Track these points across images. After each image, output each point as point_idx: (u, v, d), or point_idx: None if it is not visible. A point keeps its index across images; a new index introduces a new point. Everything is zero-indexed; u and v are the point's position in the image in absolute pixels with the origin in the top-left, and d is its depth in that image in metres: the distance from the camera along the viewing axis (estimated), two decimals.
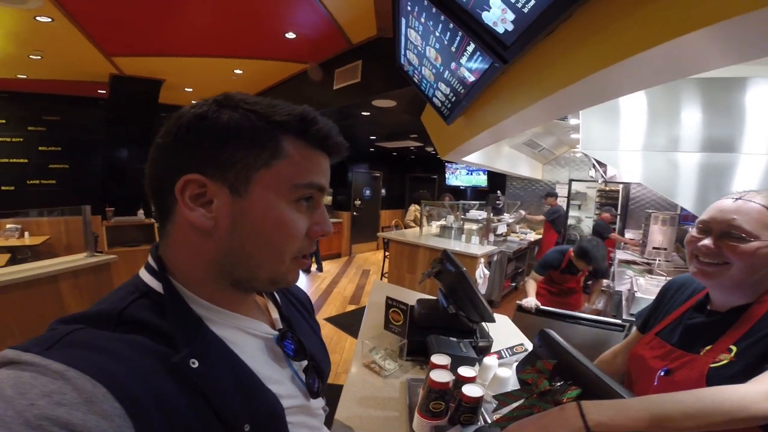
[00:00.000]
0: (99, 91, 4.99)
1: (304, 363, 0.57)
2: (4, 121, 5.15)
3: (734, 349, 0.72)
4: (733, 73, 1.89)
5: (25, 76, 4.55)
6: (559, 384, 0.54)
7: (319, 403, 0.60)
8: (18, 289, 2.24)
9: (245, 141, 0.43)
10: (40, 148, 5.37)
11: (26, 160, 5.29)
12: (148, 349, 0.38)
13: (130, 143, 4.75)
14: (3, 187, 5.18)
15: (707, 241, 0.78)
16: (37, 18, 2.94)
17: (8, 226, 4.56)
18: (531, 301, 2.27)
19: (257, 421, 0.43)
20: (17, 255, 4.17)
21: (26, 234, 4.61)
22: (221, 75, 4.55)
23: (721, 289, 0.80)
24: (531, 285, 2.57)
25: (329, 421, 1.02)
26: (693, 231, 0.84)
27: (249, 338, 0.50)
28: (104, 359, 0.34)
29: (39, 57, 3.88)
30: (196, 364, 0.40)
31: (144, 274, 0.46)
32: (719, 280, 0.77)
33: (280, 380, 0.51)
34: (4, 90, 5.03)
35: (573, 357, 0.57)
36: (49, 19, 2.97)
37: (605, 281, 2.78)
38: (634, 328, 1.09)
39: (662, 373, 0.81)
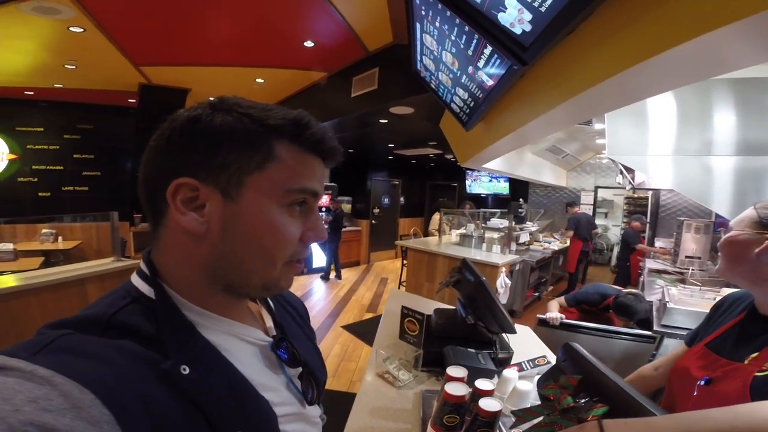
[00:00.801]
0: (129, 100, 5.22)
1: (299, 370, 0.56)
2: (42, 129, 5.45)
3: None
4: (767, 73, 1.79)
5: (61, 86, 4.80)
6: (584, 401, 0.50)
7: (315, 411, 0.59)
8: (47, 291, 2.35)
9: (238, 144, 0.42)
10: (74, 156, 5.65)
11: (62, 167, 5.57)
12: (138, 354, 0.37)
13: None
14: (40, 193, 5.46)
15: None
16: (71, 28, 3.11)
17: (44, 230, 4.81)
18: (555, 315, 2.17)
19: (250, 428, 0.42)
20: (50, 258, 4.37)
21: (60, 238, 4.84)
22: (244, 84, 4.67)
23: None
24: (554, 307, 2.41)
25: (340, 430, 0.99)
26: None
27: (242, 345, 0.49)
28: (92, 365, 0.33)
29: (73, 66, 4.09)
30: (187, 371, 0.39)
31: (136, 279, 0.45)
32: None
33: (274, 387, 0.50)
34: (42, 99, 5.32)
35: (600, 372, 0.52)
36: (82, 29, 3.13)
37: None
38: (680, 343, 1.02)
39: (702, 383, 0.76)
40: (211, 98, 0.45)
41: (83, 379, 0.31)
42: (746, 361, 0.72)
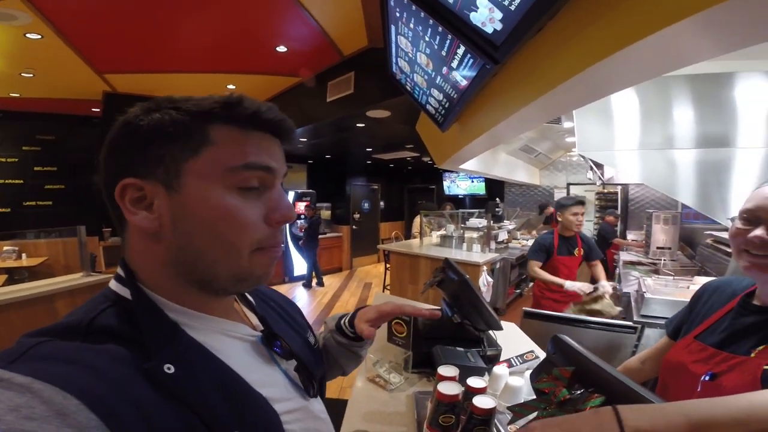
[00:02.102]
0: (93, 109, 5.00)
1: (293, 363, 0.55)
2: None
3: None
4: (721, 69, 1.90)
5: (18, 95, 4.55)
6: (579, 392, 0.50)
7: (319, 405, 0.58)
8: (14, 308, 2.25)
9: (168, 136, 0.41)
10: (35, 169, 5.35)
11: (22, 181, 5.27)
12: (120, 357, 0.36)
13: None
14: None
15: (759, 231, 0.70)
16: (27, 35, 2.95)
17: (5, 248, 4.55)
18: (576, 285, 2.19)
19: (248, 427, 0.41)
20: (14, 276, 4.12)
21: (23, 255, 4.59)
22: (214, 90, 4.41)
23: None
24: (538, 270, 2.52)
25: None
26: (737, 223, 0.76)
27: (232, 341, 0.48)
28: (73, 370, 0.32)
29: (31, 75, 3.89)
30: (172, 370, 0.37)
31: (113, 284, 0.44)
32: None
33: (270, 383, 0.48)
34: None
35: (592, 363, 0.52)
36: (39, 36, 2.98)
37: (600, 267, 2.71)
38: (664, 336, 1.03)
39: (707, 378, 0.75)
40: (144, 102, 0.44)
41: (65, 385, 0.30)
42: (753, 354, 0.70)
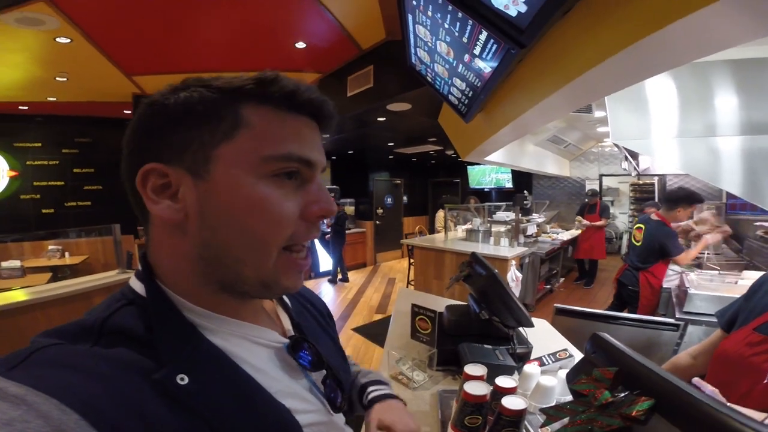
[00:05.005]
0: (124, 111, 5.19)
1: (323, 373, 0.50)
2: (39, 144, 5.41)
3: None
4: (766, 54, 1.78)
5: (54, 99, 4.76)
6: (623, 395, 0.45)
7: (342, 418, 0.54)
8: (55, 305, 2.37)
9: (197, 117, 0.37)
10: (74, 170, 5.61)
11: (63, 183, 5.54)
12: (131, 364, 0.33)
13: None
14: (43, 210, 5.44)
15: None
16: (57, 39, 3.06)
17: (50, 247, 4.83)
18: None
19: None
20: (58, 273, 4.37)
21: (66, 254, 4.86)
22: None
23: None
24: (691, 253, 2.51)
25: None
26: None
27: (256, 348, 0.44)
28: (75, 378, 0.29)
29: (65, 79, 4.05)
30: (186, 381, 0.34)
31: (132, 281, 0.41)
32: None
33: (294, 393, 0.45)
34: (37, 113, 5.28)
35: (638, 363, 0.47)
36: (69, 40, 3.09)
37: None
38: (716, 329, 0.97)
39: None
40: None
41: (65, 397, 0.27)
42: None
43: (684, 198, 2.56)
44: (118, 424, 0.28)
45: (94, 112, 5.34)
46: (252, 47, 3.45)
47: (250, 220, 0.38)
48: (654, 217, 2.74)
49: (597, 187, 6.19)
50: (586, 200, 5.51)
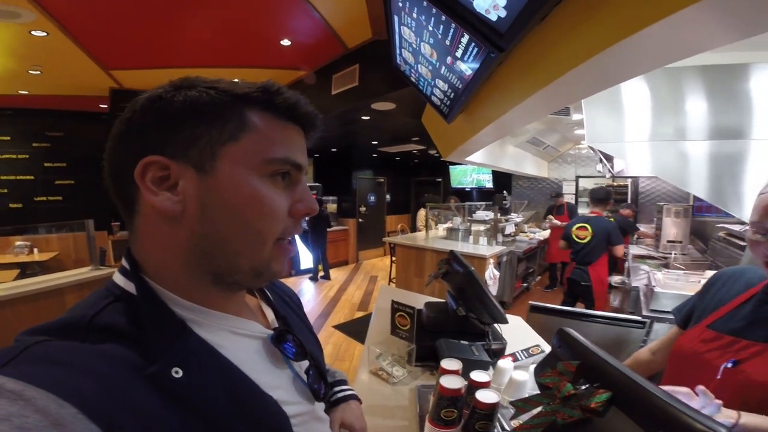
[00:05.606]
0: (100, 105, 5.03)
1: (306, 364, 0.52)
2: (8, 138, 5.19)
3: None
4: (735, 60, 1.86)
5: (26, 92, 4.58)
6: (584, 387, 0.48)
7: (322, 407, 0.56)
8: (25, 302, 2.29)
9: (206, 116, 0.39)
10: (45, 165, 5.40)
11: (32, 177, 5.33)
12: (123, 359, 0.33)
13: None
14: (11, 205, 5.23)
15: None
16: (33, 32, 2.96)
17: (18, 243, 4.62)
18: None
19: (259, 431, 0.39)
20: (27, 270, 4.20)
21: (35, 250, 4.66)
22: None
23: None
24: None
25: None
26: (750, 233, 0.79)
27: (242, 340, 0.45)
28: (70, 374, 0.30)
29: (38, 72, 3.90)
30: (180, 374, 0.35)
31: (117, 277, 0.42)
32: None
33: (281, 385, 0.46)
34: (7, 107, 5.06)
35: (598, 357, 0.51)
36: (44, 33, 2.98)
37: None
38: (673, 326, 1.02)
39: (729, 365, 0.77)
40: (172, 80, 0.42)
41: (62, 392, 0.28)
42: None
43: (609, 195, 3.19)
44: (113, 417, 0.29)
45: (67, 105, 5.16)
46: (236, 44, 3.40)
47: (250, 214, 0.41)
48: (592, 214, 3.19)
49: (574, 188, 6.37)
50: (552, 202, 5.68)
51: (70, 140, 5.49)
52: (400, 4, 1.70)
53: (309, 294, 5.44)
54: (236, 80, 0.43)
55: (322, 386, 0.53)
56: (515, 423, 0.85)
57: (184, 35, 3.20)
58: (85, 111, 5.36)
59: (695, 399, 0.68)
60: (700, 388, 0.70)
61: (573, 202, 6.40)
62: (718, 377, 0.77)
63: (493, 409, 0.76)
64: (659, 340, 1.06)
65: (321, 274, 6.16)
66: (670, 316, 1.97)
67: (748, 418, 0.66)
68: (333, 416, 0.68)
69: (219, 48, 3.48)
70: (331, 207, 7.58)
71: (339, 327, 4.08)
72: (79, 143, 5.49)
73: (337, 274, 6.57)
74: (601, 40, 0.92)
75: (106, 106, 4.85)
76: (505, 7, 1.13)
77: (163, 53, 3.55)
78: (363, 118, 4.48)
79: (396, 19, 1.90)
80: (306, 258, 6.39)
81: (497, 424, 0.81)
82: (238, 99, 0.41)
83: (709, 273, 2.44)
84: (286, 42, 3.36)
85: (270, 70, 4.09)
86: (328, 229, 6.38)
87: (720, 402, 0.67)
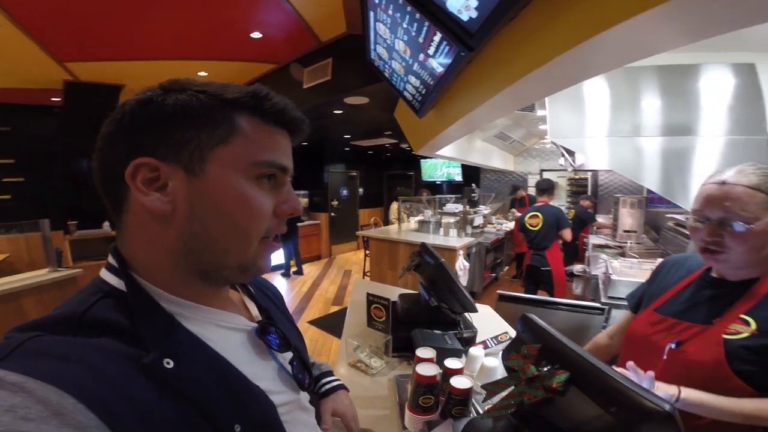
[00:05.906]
0: (52, 99, 4.69)
1: (290, 355, 0.55)
2: None
3: (752, 321, 0.75)
4: (687, 60, 1.99)
5: None
6: (546, 368, 0.54)
7: (306, 397, 0.58)
8: None
9: (196, 120, 0.41)
10: None
11: None
12: (116, 352, 0.35)
13: (89, 153, 4.47)
14: None
15: (709, 230, 0.80)
16: None
17: None
18: None
19: (248, 420, 0.41)
20: None
21: None
22: (185, 77, 4.37)
23: (733, 269, 0.82)
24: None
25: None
26: (691, 221, 0.85)
27: (227, 333, 0.47)
28: (67, 367, 0.31)
29: None
30: (171, 365, 0.37)
31: (105, 274, 0.43)
32: (731, 263, 0.80)
33: (266, 375, 0.49)
34: None
35: (556, 340, 0.56)
36: None
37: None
38: (627, 311, 1.11)
39: (673, 346, 0.83)
40: (162, 82, 0.43)
41: (61, 383, 0.29)
42: (714, 323, 0.80)
43: (553, 186, 3.57)
44: (111, 406, 0.30)
45: (15, 99, 4.75)
46: (204, 36, 3.26)
47: (238, 215, 0.43)
48: (540, 203, 3.54)
49: (542, 180, 6.62)
50: (513, 197, 5.90)
51: (19, 135, 5.08)
52: (377, 1, 1.72)
53: (282, 290, 5.34)
54: (227, 84, 0.44)
55: (306, 376, 0.56)
56: (488, 406, 0.91)
57: (145, 26, 3.04)
58: (36, 104, 4.97)
59: (631, 376, 0.75)
60: (630, 364, 0.78)
61: (534, 194, 6.67)
62: (665, 357, 0.84)
63: (467, 394, 0.82)
64: (615, 324, 1.14)
65: (293, 269, 6.10)
66: (626, 302, 2.13)
67: (688, 393, 0.74)
68: (324, 406, 0.71)
69: (184, 39, 3.33)
70: (303, 201, 7.48)
71: (314, 322, 4.07)
72: (30, 138, 5.09)
73: (310, 269, 6.53)
74: (565, 41, 0.98)
75: (59, 99, 4.54)
76: (476, 8, 1.17)
77: (124, 45, 3.35)
78: (336, 112, 4.45)
79: (372, 15, 1.91)
80: (276, 254, 6.28)
81: (471, 408, 0.86)
82: (228, 104, 0.42)
83: (660, 261, 2.64)
84: (256, 35, 3.26)
85: (239, 63, 3.97)
86: (299, 224, 6.32)
87: (652, 373, 0.75)
